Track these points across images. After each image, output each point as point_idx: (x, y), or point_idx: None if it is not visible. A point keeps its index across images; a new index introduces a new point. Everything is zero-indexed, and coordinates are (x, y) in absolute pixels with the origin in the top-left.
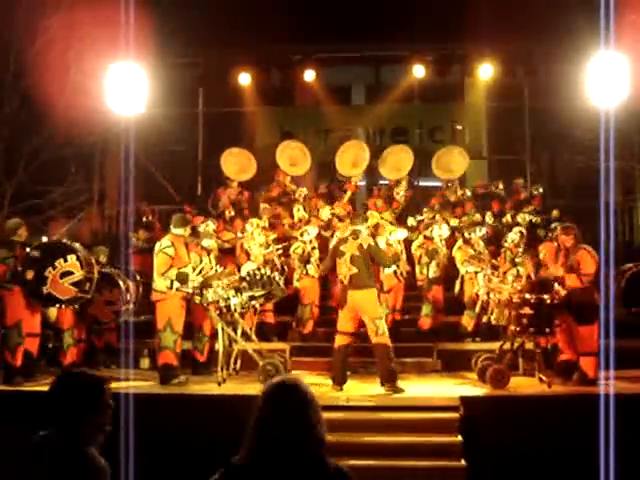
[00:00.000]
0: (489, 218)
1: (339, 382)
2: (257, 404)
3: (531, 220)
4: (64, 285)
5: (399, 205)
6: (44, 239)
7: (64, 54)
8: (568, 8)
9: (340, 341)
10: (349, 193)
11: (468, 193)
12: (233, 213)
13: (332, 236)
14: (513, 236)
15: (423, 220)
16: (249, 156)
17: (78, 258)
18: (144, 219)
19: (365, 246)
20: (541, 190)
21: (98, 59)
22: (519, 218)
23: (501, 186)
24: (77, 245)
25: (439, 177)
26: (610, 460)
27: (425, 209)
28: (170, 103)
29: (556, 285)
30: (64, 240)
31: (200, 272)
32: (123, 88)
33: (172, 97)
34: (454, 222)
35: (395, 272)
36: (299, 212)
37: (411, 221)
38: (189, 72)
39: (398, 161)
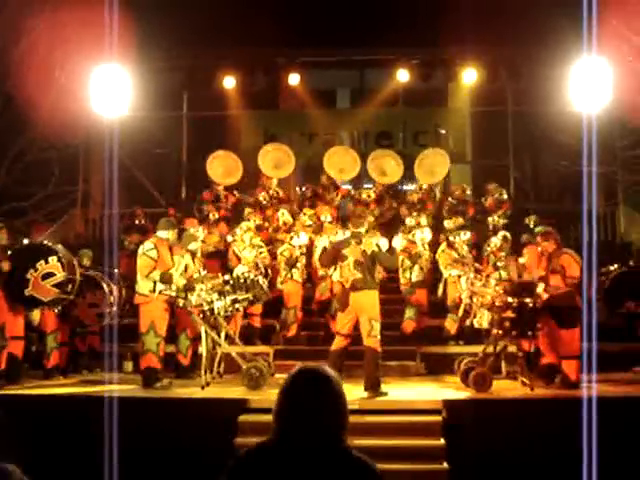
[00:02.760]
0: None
1: None
2: (281, 390)
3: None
4: (46, 287)
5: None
6: (25, 241)
7: (48, 56)
8: (551, 13)
9: (338, 343)
10: (339, 196)
11: (437, 193)
12: (217, 216)
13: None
14: (496, 240)
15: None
16: (235, 159)
17: (59, 259)
18: (137, 221)
19: (369, 251)
20: (505, 196)
21: (83, 61)
22: (491, 221)
23: (469, 192)
24: (58, 246)
25: (420, 181)
26: (593, 463)
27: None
28: (154, 106)
29: (539, 288)
30: (45, 242)
31: (184, 273)
32: (107, 90)
33: (156, 100)
34: (449, 224)
35: None
36: (284, 216)
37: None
38: (173, 75)
39: (384, 167)
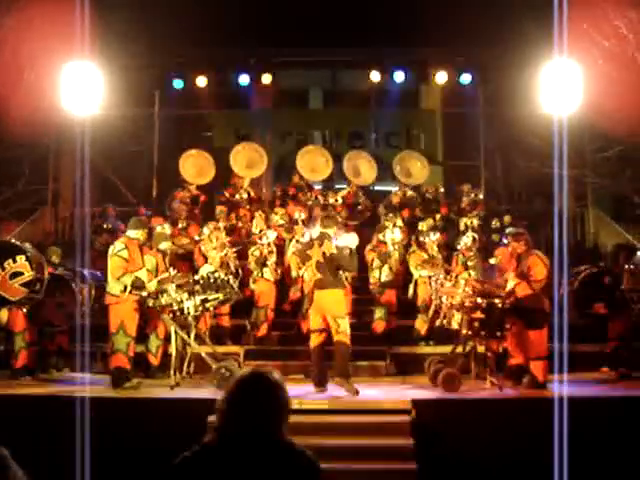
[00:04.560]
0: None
1: (320, 383)
2: (228, 389)
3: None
4: (14, 286)
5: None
6: None
7: (18, 53)
8: (522, 16)
9: (315, 340)
10: (314, 197)
11: (409, 193)
12: (185, 224)
13: (291, 239)
14: (465, 240)
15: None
16: (208, 159)
17: (27, 258)
18: (105, 226)
19: (328, 254)
20: (481, 196)
21: (53, 59)
22: (462, 223)
23: (441, 189)
24: (27, 245)
25: (398, 179)
26: (563, 463)
27: (382, 216)
28: (126, 104)
29: (510, 285)
30: (13, 240)
31: (156, 275)
32: (78, 88)
33: (128, 98)
34: (422, 226)
35: None
36: (258, 219)
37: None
38: (145, 73)
39: (360, 167)
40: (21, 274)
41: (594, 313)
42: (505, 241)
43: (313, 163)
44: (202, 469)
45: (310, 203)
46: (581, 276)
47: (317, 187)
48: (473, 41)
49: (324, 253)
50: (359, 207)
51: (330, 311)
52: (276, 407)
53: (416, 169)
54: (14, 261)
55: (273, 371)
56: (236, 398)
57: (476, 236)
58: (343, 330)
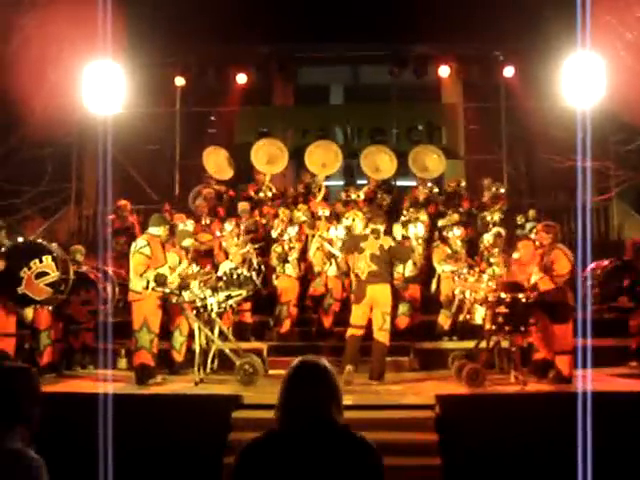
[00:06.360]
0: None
1: (353, 363)
2: (283, 380)
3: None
4: (39, 286)
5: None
6: (19, 239)
7: (41, 53)
8: (544, 8)
9: (352, 332)
10: (322, 192)
11: (435, 189)
12: (208, 221)
13: (314, 236)
14: (488, 237)
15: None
16: (228, 159)
17: (54, 259)
18: (122, 223)
19: (386, 247)
20: (502, 190)
21: (75, 58)
22: (487, 217)
23: (463, 183)
24: (53, 245)
25: (415, 174)
26: (587, 457)
27: (404, 211)
28: (147, 102)
29: (534, 278)
30: (39, 240)
31: (179, 272)
32: (100, 87)
33: (149, 96)
34: (442, 222)
35: None
36: (282, 215)
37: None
38: (167, 71)
39: (378, 163)
40: (47, 274)
41: (619, 306)
42: (532, 235)
43: (323, 158)
44: (267, 456)
45: (318, 199)
46: (604, 270)
47: (332, 183)
48: (495, 35)
49: (382, 246)
50: (376, 202)
51: (381, 307)
52: (326, 391)
53: (432, 162)
54: (40, 261)
55: (320, 358)
56: (288, 387)
57: (502, 231)
58: (387, 328)
